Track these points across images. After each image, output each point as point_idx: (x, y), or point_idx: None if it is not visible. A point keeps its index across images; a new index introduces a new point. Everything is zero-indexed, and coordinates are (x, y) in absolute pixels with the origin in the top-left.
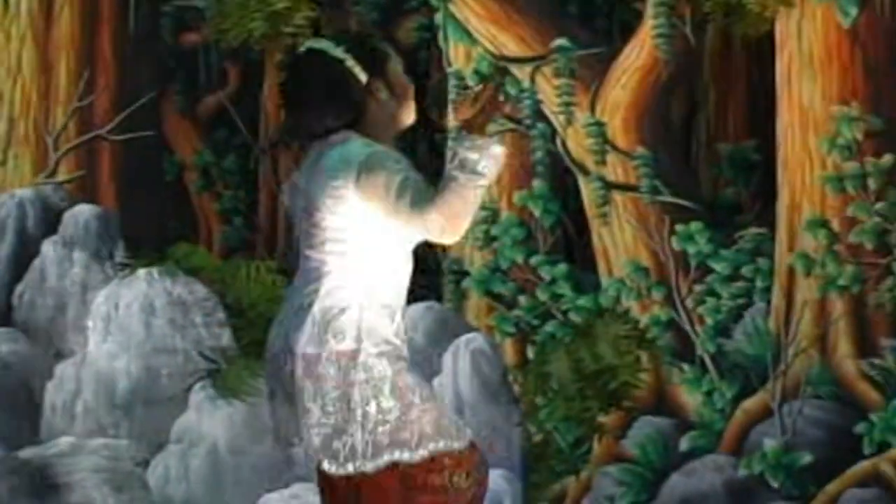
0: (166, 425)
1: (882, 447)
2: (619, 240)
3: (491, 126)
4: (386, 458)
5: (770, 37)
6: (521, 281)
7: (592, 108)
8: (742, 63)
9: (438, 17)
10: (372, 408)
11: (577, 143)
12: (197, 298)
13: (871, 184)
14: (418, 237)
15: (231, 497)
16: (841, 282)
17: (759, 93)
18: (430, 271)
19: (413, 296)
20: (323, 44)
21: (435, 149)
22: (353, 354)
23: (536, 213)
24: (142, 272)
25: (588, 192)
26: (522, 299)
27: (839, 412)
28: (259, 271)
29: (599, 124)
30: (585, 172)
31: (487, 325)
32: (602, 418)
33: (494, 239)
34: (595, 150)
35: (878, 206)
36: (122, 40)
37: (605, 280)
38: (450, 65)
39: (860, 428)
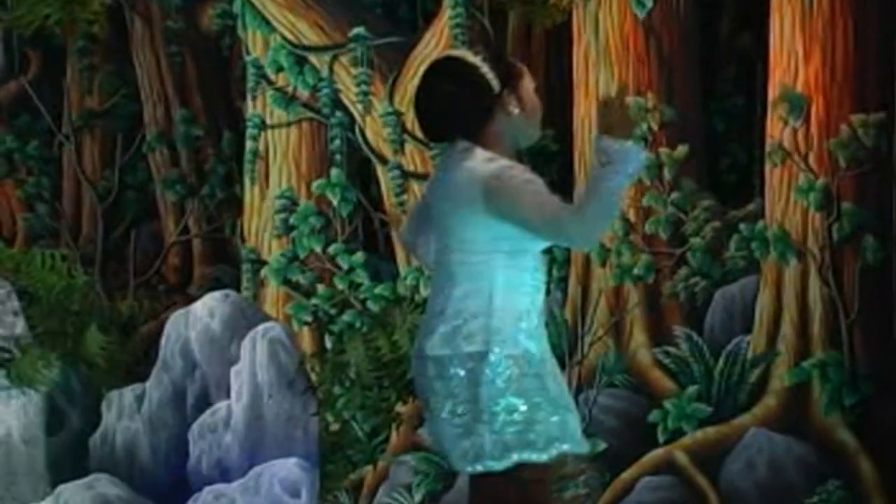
0: None
1: (675, 435)
2: None
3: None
4: (514, 458)
5: (569, 27)
6: (318, 270)
7: (391, 98)
8: (542, 53)
9: (237, 5)
10: (499, 408)
11: (376, 132)
12: None
13: (666, 174)
14: (549, 243)
15: (25, 487)
16: (636, 271)
17: (558, 83)
18: (229, 260)
19: (210, 284)
20: (460, 51)
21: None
22: (482, 356)
23: (334, 201)
24: None
25: (386, 181)
26: (320, 288)
27: (634, 400)
28: (55, 260)
29: (397, 114)
30: (384, 161)
31: (285, 314)
32: (399, 408)
33: (292, 228)
34: (393, 140)
35: (673, 196)
36: None
37: (403, 268)
38: (248, 53)
39: (654, 416)
